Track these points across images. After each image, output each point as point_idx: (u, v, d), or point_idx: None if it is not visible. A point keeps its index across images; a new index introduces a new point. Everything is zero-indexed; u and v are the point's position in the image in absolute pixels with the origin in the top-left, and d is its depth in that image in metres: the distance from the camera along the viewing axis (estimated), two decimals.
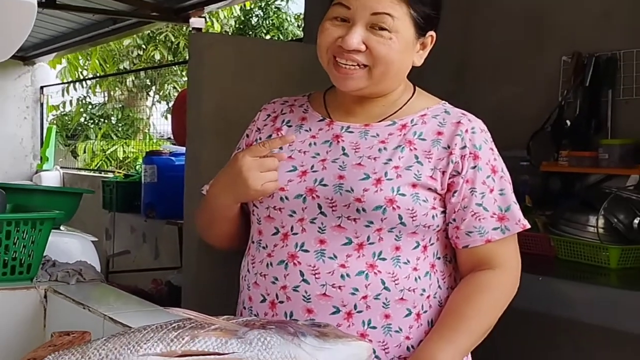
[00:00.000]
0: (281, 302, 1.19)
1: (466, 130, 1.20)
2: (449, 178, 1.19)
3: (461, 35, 3.02)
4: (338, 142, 1.22)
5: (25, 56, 8.05)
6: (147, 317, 1.29)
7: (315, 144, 1.24)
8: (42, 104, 8.76)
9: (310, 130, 1.26)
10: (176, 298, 3.62)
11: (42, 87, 8.65)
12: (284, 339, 0.86)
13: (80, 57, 9.96)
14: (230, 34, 9.66)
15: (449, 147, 1.19)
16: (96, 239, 2.51)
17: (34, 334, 1.60)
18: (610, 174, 2.39)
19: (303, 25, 5.18)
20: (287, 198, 1.19)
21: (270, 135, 1.29)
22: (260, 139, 1.30)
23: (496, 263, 1.20)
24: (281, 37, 9.67)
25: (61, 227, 2.42)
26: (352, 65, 1.15)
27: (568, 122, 2.60)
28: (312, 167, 1.21)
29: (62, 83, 9.39)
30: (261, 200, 1.22)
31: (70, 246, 2.21)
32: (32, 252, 1.69)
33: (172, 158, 4.92)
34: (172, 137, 5.96)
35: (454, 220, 1.20)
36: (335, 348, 0.88)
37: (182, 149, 4.14)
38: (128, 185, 5.37)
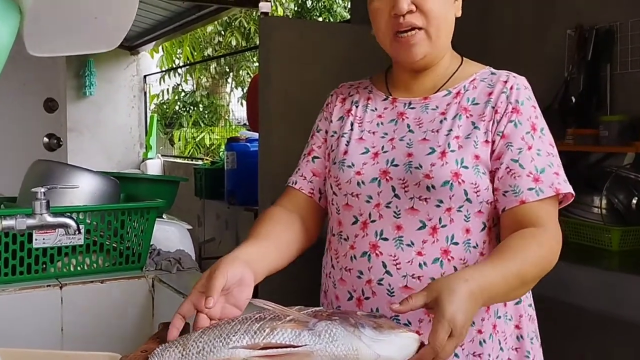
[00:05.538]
0: (367, 298, 1.13)
1: (511, 87, 1.15)
2: (493, 137, 1.12)
3: (479, 20, 2.84)
4: (403, 119, 1.19)
5: (131, 46, 7.93)
6: None
7: (382, 123, 1.21)
8: (145, 93, 8.51)
9: (376, 110, 1.24)
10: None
11: (145, 76, 8.41)
12: (347, 331, 0.85)
13: (174, 46, 9.71)
14: (291, 17, 9.41)
15: (495, 105, 1.14)
16: (191, 227, 2.43)
17: (144, 322, 1.57)
18: (609, 152, 2.16)
19: (350, 6, 4.96)
20: (363, 183, 1.15)
21: (342, 117, 1.27)
22: (332, 122, 1.28)
23: (537, 224, 1.06)
24: (331, 19, 9.30)
25: (163, 216, 2.37)
26: (411, 31, 1.12)
27: (573, 98, 2.36)
28: (383, 147, 1.17)
29: (161, 72, 9.10)
30: (339, 186, 1.18)
31: (170, 234, 2.14)
32: (141, 242, 1.64)
33: (248, 144, 4.68)
34: (247, 123, 5.74)
35: (493, 181, 1.11)
36: (389, 339, 0.85)
37: (257, 135, 3.94)
38: (214, 172, 5.14)
